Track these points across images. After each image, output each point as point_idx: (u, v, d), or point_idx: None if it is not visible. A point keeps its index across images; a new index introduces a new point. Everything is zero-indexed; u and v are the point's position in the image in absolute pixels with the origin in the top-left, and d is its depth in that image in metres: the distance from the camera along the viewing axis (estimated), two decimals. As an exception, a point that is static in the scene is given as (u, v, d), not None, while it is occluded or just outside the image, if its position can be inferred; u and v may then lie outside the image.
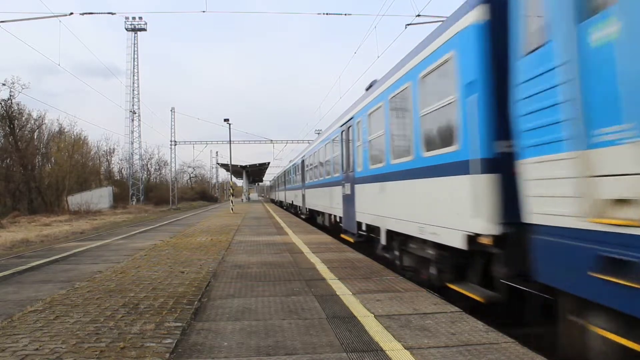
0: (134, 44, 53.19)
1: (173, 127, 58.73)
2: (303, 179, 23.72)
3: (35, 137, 43.45)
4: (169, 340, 4.05)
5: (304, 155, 24.07)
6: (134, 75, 53.42)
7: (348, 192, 11.81)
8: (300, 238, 12.88)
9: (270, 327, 4.45)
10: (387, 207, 8.41)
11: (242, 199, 70.86)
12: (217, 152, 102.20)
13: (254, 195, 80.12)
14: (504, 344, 3.82)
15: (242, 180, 73.13)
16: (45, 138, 46.65)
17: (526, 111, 4.18)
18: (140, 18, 52.63)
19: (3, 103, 37.23)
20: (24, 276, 7.66)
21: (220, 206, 53.96)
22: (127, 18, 52.08)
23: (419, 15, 14.03)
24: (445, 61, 5.92)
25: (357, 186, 10.83)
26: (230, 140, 33.13)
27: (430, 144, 6.54)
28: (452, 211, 5.71)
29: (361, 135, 10.40)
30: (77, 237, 16.97)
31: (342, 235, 12.47)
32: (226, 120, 31.46)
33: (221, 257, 9.24)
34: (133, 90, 53.58)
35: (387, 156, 8.41)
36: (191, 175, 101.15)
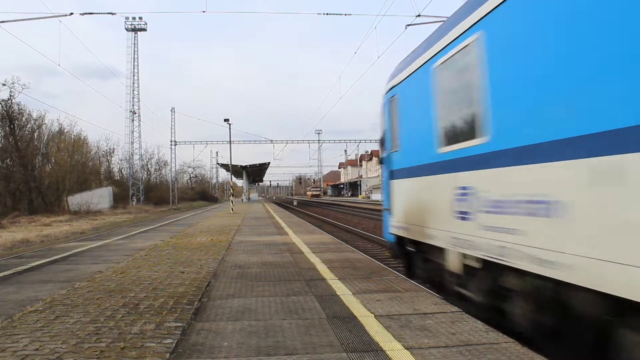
0: (134, 44, 53.27)
1: (173, 127, 58.97)
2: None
3: (35, 137, 43.32)
4: (169, 341, 4.05)
5: None
6: (134, 75, 53.51)
7: None
8: (300, 238, 12.88)
9: (271, 327, 4.45)
10: None
11: (242, 199, 70.86)
12: (217, 152, 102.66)
13: (254, 196, 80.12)
14: (504, 344, 3.82)
15: (242, 181, 73.16)
16: (45, 138, 46.58)
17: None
18: (140, 18, 52.73)
19: (3, 103, 37.19)
20: (24, 276, 7.66)
21: (221, 206, 53.96)
22: (127, 18, 52.17)
23: (419, 16, 14.06)
24: None
25: None
26: (230, 140, 33.17)
27: None
28: None
29: None
30: (77, 237, 16.97)
31: None
32: (226, 120, 31.54)
33: (221, 257, 9.24)
34: (133, 90, 53.68)
35: None
36: (191, 175, 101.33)
